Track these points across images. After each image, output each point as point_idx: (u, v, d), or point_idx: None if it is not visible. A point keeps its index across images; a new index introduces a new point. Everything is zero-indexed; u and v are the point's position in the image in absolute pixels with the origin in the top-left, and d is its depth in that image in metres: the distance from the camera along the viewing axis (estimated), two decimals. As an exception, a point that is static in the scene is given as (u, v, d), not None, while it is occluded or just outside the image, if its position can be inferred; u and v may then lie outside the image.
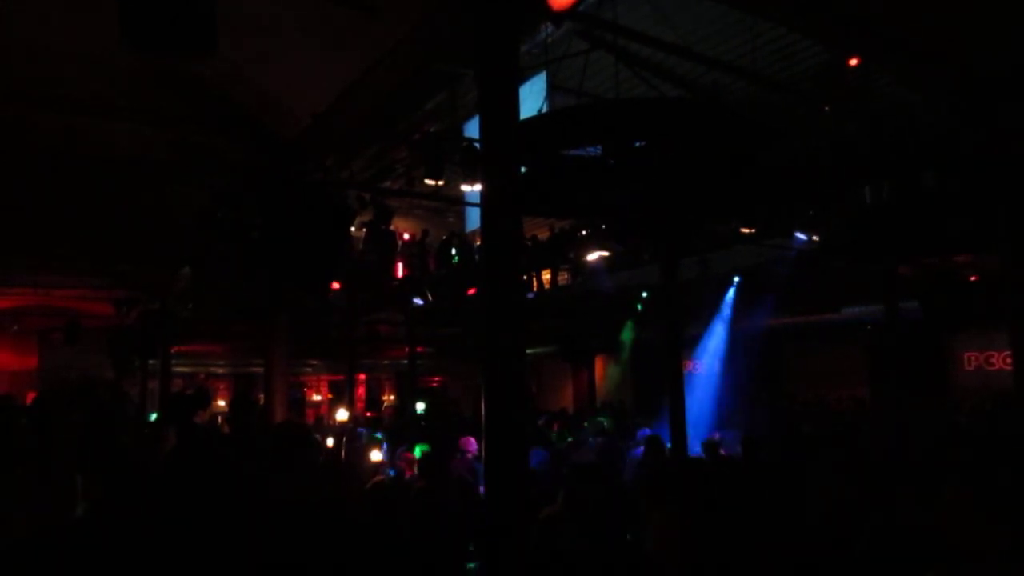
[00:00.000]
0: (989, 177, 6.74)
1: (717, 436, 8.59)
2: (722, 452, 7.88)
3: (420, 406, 16.48)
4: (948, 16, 5.19)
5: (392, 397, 22.06)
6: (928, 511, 3.24)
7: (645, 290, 13.09)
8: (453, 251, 13.97)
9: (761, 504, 4.70)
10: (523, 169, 5.45)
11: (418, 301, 13.50)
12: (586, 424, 10.58)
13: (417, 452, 6.47)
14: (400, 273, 13.86)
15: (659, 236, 8.37)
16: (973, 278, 10.88)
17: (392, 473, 6.53)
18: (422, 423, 12.90)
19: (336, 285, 11.33)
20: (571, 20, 7.15)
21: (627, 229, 11.10)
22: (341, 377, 19.16)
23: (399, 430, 10.96)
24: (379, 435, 8.68)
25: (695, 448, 8.04)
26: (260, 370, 13.37)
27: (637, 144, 6.04)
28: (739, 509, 4.51)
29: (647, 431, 8.37)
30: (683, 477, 5.58)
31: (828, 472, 4.42)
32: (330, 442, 8.50)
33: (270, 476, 2.42)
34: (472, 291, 12.92)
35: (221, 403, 17.84)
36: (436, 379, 22.26)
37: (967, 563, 2.67)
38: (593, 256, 12.11)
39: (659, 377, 7.99)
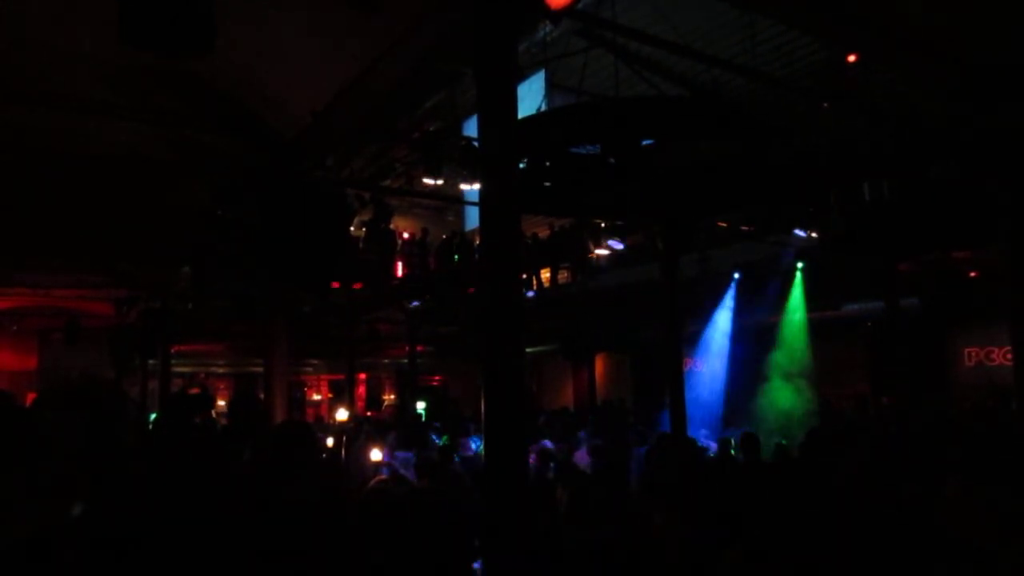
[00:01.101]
0: (989, 173, 6.73)
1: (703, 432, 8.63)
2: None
3: (420, 405, 16.49)
4: (948, 12, 5.19)
5: (392, 396, 22.07)
6: (930, 508, 3.24)
7: (645, 288, 13.07)
8: (454, 250, 13.98)
9: (762, 502, 4.70)
10: (522, 165, 5.46)
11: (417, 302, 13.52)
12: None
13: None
14: (400, 272, 13.87)
15: (659, 234, 8.38)
16: (973, 274, 10.88)
17: (385, 472, 6.52)
18: (423, 420, 12.92)
19: (336, 284, 11.34)
20: (570, 19, 7.14)
21: (627, 227, 11.10)
22: (341, 376, 19.17)
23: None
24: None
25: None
26: (260, 369, 13.37)
27: (637, 143, 6.03)
28: (741, 507, 4.51)
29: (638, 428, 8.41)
30: (685, 476, 5.58)
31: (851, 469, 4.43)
32: (330, 442, 8.51)
33: (270, 476, 2.42)
34: (472, 290, 12.93)
35: (221, 403, 17.84)
36: (436, 378, 22.27)
37: (969, 559, 2.67)
38: (593, 254, 12.11)
39: (659, 375, 8.00)
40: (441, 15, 4.68)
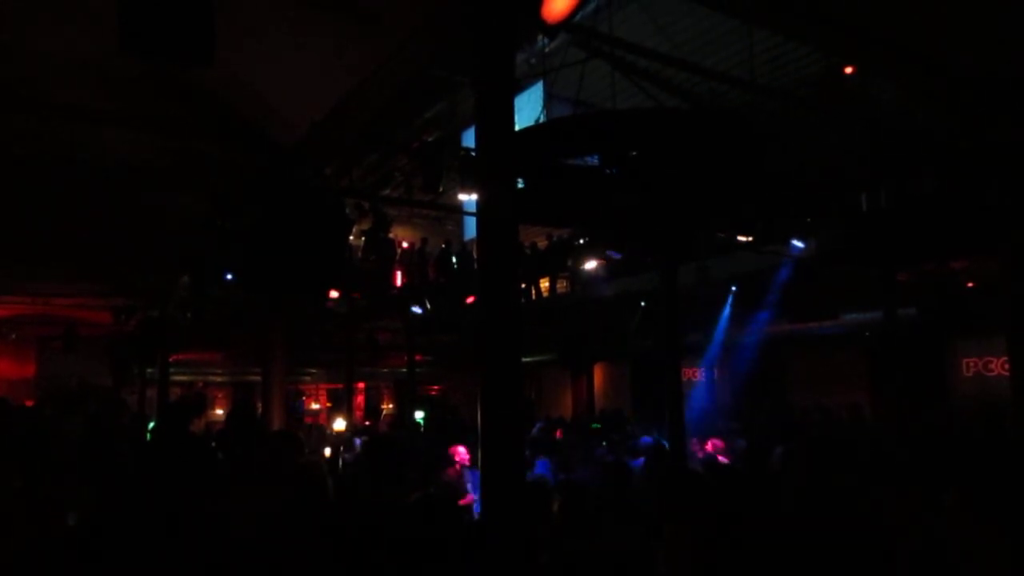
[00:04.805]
0: (986, 183, 6.75)
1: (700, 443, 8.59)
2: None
3: (419, 414, 16.43)
4: (946, 22, 5.22)
5: (391, 406, 22.02)
6: (930, 517, 3.24)
7: (644, 297, 13.09)
8: (453, 259, 13.98)
9: (769, 514, 4.65)
10: (521, 181, 5.47)
11: (417, 309, 13.51)
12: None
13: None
14: (399, 281, 13.87)
15: (658, 244, 8.39)
16: (971, 284, 10.90)
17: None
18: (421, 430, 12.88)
19: (335, 293, 11.34)
20: (567, 31, 7.18)
21: (625, 238, 11.11)
22: (340, 386, 19.13)
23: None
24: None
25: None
26: (258, 379, 13.34)
27: (635, 154, 6.04)
28: (749, 520, 4.46)
29: (649, 439, 8.34)
30: (696, 489, 5.51)
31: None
32: (327, 452, 8.48)
33: (261, 485, 2.42)
34: (471, 299, 12.92)
35: (219, 412, 17.79)
36: (436, 387, 22.23)
37: (968, 567, 2.67)
38: (591, 264, 12.12)
39: (659, 384, 8.00)
40: (439, 25, 4.71)
